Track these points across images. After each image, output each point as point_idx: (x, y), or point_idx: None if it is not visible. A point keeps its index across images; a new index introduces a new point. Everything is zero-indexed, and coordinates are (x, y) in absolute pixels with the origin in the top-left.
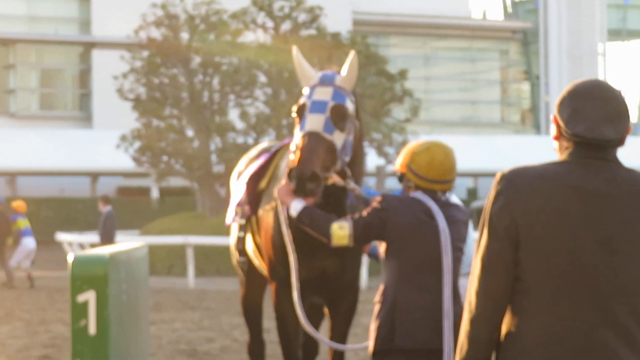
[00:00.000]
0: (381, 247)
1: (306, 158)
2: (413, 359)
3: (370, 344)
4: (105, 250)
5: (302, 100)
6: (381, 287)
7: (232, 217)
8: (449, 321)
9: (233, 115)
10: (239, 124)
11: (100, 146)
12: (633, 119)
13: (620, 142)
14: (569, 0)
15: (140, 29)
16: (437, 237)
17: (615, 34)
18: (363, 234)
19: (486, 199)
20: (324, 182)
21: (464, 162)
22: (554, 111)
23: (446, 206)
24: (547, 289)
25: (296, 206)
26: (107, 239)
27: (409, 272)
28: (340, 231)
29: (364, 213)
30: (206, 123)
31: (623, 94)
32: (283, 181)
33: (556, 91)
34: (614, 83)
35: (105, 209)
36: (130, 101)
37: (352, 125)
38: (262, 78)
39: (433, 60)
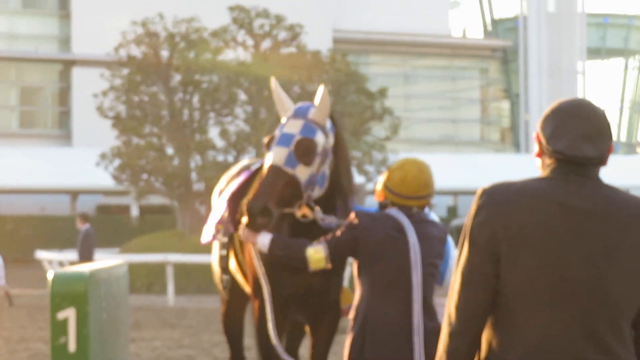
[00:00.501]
0: (354, 264)
1: (260, 192)
2: None
3: (344, 358)
4: (86, 267)
5: (275, 132)
6: (355, 304)
7: (211, 235)
8: (419, 337)
9: (213, 133)
10: (219, 142)
11: (80, 164)
12: (613, 137)
13: (602, 160)
14: (548, 19)
15: (120, 47)
16: (407, 252)
17: (595, 53)
18: (337, 252)
19: (467, 215)
20: (278, 217)
21: (444, 180)
22: (535, 129)
23: (420, 222)
24: (528, 303)
25: (263, 240)
26: (85, 257)
27: (379, 288)
28: (316, 255)
29: (338, 232)
30: (186, 141)
31: (606, 113)
32: (244, 220)
33: (536, 109)
34: (595, 101)
35: (83, 226)
36: (110, 119)
37: (322, 158)
38: (243, 96)
39: (413, 79)
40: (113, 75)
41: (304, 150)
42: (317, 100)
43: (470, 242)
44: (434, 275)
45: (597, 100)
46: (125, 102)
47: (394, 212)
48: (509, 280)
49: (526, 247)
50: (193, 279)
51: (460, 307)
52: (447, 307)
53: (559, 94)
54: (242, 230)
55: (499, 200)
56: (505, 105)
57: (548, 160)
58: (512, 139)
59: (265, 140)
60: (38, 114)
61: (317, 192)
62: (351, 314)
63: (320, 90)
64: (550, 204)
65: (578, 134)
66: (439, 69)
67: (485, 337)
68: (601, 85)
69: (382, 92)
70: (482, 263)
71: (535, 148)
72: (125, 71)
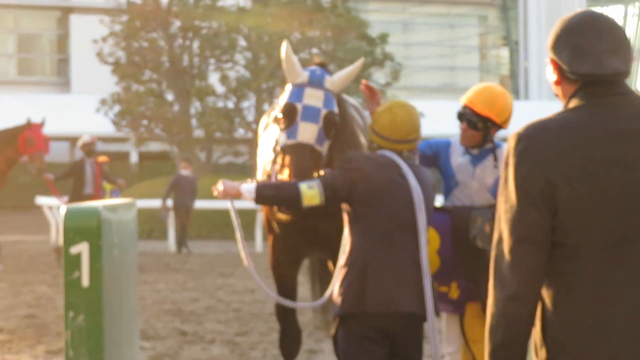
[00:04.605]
0: (346, 210)
1: (299, 176)
2: (383, 322)
3: (336, 306)
4: (97, 203)
5: (290, 100)
6: (347, 251)
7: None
8: (428, 281)
9: (213, 79)
10: (219, 88)
11: (79, 111)
12: None
13: (628, 72)
14: None
15: None
16: (409, 196)
17: (594, 0)
18: (333, 192)
19: (503, 163)
20: None
21: (443, 127)
22: (534, 76)
23: (414, 167)
24: (594, 250)
25: (249, 187)
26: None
27: (381, 234)
28: (310, 190)
29: (333, 173)
30: (186, 87)
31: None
32: (222, 184)
33: (535, 57)
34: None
35: (183, 171)
36: (109, 65)
37: None
38: (242, 42)
39: (412, 26)
40: (112, 21)
41: (330, 125)
42: (344, 71)
43: (520, 195)
44: (429, 221)
45: None
46: (124, 49)
47: (390, 154)
48: (571, 229)
49: (583, 186)
50: (193, 225)
51: (517, 268)
52: (496, 268)
53: None
54: (224, 188)
55: (541, 143)
56: (504, 52)
57: (571, 87)
58: (511, 86)
59: (281, 107)
60: (36, 62)
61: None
62: (343, 262)
63: (357, 63)
64: (597, 132)
65: (601, 49)
66: (438, 17)
67: (546, 295)
68: None
69: (383, 38)
70: (539, 217)
71: (552, 76)
72: (124, 17)
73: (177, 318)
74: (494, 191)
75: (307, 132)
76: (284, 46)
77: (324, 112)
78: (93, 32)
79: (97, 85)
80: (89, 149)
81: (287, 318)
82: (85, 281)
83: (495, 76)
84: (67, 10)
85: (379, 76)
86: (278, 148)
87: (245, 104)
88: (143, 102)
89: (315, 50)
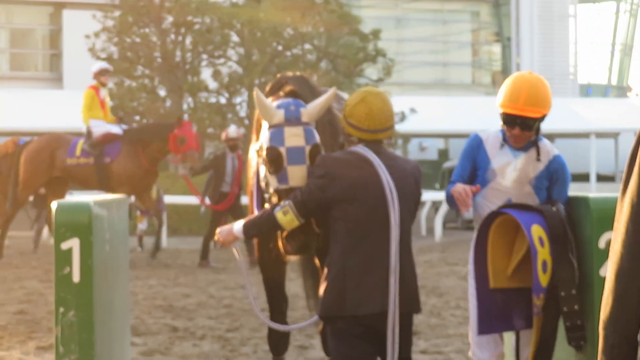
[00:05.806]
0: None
1: (296, 229)
2: (364, 323)
3: (319, 307)
4: (88, 198)
5: (272, 144)
6: (330, 252)
7: None
8: (395, 277)
9: (205, 74)
10: (212, 84)
11: (72, 106)
12: (604, 80)
13: None
14: None
15: None
16: (381, 190)
17: None
18: (305, 207)
19: (635, 138)
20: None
21: (435, 123)
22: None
23: (391, 158)
24: None
25: (238, 228)
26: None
27: (357, 233)
28: (286, 216)
29: (302, 187)
30: (178, 83)
31: None
32: (221, 230)
33: (527, 53)
34: (585, 45)
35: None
36: (102, 60)
37: None
38: (235, 38)
39: (404, 22)
40: (105, 16)
41: (315, 158)
42: (318, 101)
43: None
44: (412, 212)
45: (588, 44)
46: (117, 44)
47: (359, 149)
48: None
49: None
50: (185, 221)
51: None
52: (613, 243)
53: (550, 37)
54: (220, 235)
55: None
56: (497, 48)
57: None
58: (504, 82)
59: (265, 152)
60: (29, 57)
61: None
62: (326, 262)
63: (329, 92)
64: None
65: None
66: (430, 13)
67: None
68: (593, 29)
69: (375, 34)
70: None
71: None
72: (117, 13)
73: (169, 314)
74: (536, 185)
75: (297, 175)
76: (255, 92)
77: (307, 148)
78: (85, 27)
79: (89, 80)
80: (233, 144)
81: (275, 312)
82: (76, 277)
83: (488, 72)
84: (60, 6)
85: (371, 72)
86: (270, 190)
87: (237, 100)
88: (135, 98)
89: (307, 46)
